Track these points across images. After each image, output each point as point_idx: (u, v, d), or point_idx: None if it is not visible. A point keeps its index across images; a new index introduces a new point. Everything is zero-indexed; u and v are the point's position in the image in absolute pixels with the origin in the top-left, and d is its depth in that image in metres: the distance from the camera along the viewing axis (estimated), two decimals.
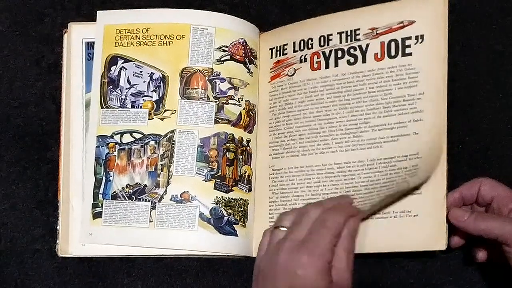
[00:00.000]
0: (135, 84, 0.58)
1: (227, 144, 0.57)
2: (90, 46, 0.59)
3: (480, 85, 0.58)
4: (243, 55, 0.58)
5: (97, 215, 0.57)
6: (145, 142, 0.57)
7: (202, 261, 0.58)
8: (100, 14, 0.59)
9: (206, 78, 0.57)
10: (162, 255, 0.57)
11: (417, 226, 0.51)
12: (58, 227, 0.57)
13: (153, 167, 0.57)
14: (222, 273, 0.58)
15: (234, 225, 0.56)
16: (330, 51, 0.56)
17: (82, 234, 0.56)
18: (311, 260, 0.44)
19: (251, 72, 0.59)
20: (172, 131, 0.57)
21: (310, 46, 0.57)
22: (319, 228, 0.46)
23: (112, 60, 0.58)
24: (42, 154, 0.60)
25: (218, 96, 0.57)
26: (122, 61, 0.58)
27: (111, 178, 0.57)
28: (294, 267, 0.44)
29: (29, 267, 0.59)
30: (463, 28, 0.59)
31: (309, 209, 0.48)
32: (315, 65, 0.57)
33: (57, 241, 0.56)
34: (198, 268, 0.58)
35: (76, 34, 0.59)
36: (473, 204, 0.53)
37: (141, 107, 0.57)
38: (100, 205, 0.57)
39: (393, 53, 0.54)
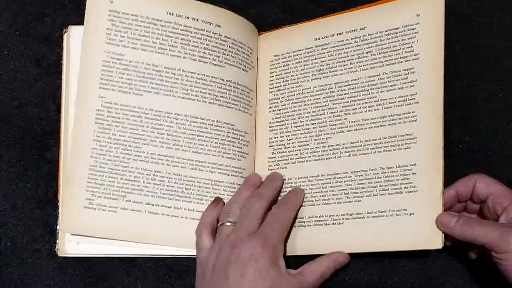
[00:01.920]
0: None
1: None
2: None
3: (480, 85, 0.58)
4: None
5: None
6: None
7: None
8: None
9: None
10: (162, 255, 0.57)
11: (413, 225, 0.50)
12: (58, 227, 0.57)
13: None
14: None
15: None
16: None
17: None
18: (265, 251, 0.47)
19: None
20: None
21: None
22: (273, 222, 0.50)
23: None
24: (42, 154, 0.60)
25: None
26: None
27: None
28: (247, 257, 0.47)
29: (29, 267, 0.59)
30: (463, 28, 0.59)
31: (253, 203, 0.51)
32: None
33: (57, 241, 0.56)
34: None
35: (76, 37, 0.58)
36: (468, 201, 0.52)
37: None
38: None
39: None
